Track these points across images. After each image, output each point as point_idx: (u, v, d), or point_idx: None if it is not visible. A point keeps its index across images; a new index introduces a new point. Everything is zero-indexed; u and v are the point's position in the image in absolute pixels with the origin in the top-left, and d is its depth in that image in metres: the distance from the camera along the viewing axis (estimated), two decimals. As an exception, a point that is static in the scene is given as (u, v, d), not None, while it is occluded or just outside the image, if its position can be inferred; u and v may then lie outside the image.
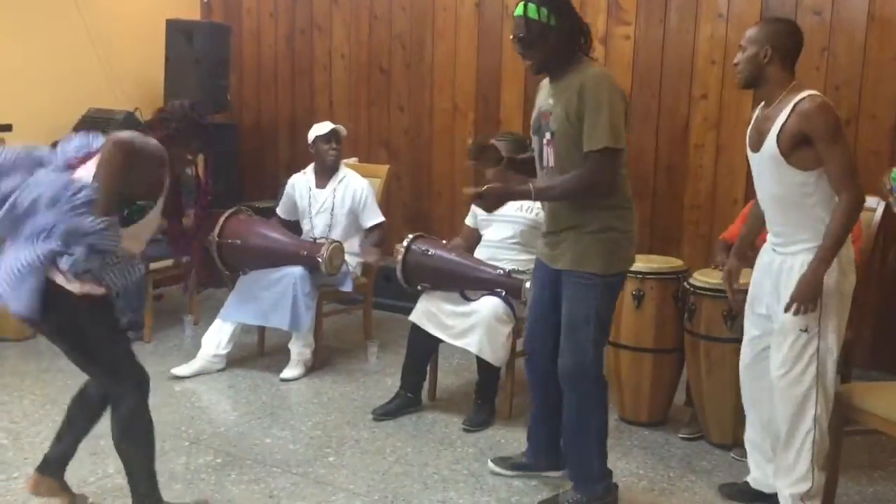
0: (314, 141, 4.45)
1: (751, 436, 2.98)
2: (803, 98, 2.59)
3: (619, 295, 2.92)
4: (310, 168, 4.56)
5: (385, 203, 4.59)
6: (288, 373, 4.16)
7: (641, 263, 3.63)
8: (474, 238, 4.00)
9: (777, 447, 2.79)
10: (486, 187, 2.70)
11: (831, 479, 2.84)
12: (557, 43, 2.68)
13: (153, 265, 4.65)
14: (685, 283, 3.51)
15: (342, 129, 4.49)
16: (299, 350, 4.21)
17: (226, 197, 5.19)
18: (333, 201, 4.42)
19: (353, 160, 4.67)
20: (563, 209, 2.76)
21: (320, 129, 4.44)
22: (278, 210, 4.65)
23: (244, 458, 3.31)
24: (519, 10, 2.69)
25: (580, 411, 2.83)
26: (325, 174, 4.48)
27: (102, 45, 5.59)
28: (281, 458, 3.32)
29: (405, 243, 3.79)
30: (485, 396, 3.71)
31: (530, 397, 3.13)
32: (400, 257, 3.76)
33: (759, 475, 2.97)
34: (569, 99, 2.64)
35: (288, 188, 4.61)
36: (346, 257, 4.28)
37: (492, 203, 2.72)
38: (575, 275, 2.75)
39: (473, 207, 4.02)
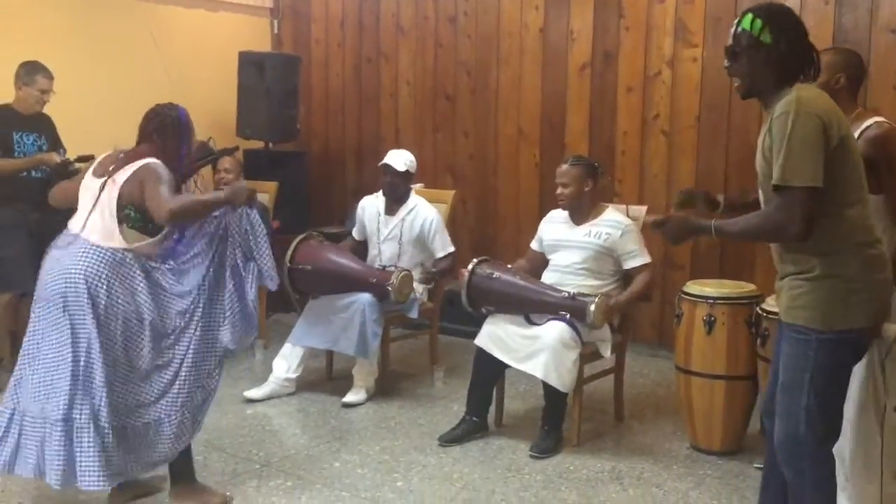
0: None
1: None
2: (870, 125, 2.56)
3: (849, 360, 2.38)
4: (381, 192, 4.59)
5: (451, 228, 4.60)
6: (350, 398, 4.19)
7: (712, 289, 3.58)
8: (538, 261, 3.99)
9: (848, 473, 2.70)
10: (668, 216, 2.53)
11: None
12: (766, 63, 2.32)
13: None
14: (758, 309, 3.43)
15: (396, 165, 4.39)
16: (363, 376, 4.24)
17: (294, 223, 5.30)
18: (402, 230, 4.44)
19: (418, 186, 4.71)
20: (781, 253, 2.39)
21: (386, 158, 4.48)
22: (353, 232, 4.69)
23: (314, 481, 3.34)
24: (737, 20, 2.39)
25: (795, 494, 2.42)
26: (395, 202, 4.51)
27: (178, 77, 5.78)
28: (350, 482, 3.34)
29: (470, 267, 3.80)
30: (552, 423, 3.67)
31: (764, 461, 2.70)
32: (465, 280, 3.77)
33: None
34: (766, 130, 2.31)
35: (358, 210, 4.65)
36: (414, 285, 4.30)
37: (674, 232, 2.50)
38: (789, 328, 2.35)
39: (540, 231, 4.01)
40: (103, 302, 2.79)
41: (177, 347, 2.94)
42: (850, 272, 2.26)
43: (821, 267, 2.26)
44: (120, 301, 2.82)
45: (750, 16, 2.34)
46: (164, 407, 2.91)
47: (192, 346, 2.95)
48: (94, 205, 2.91)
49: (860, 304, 2.28)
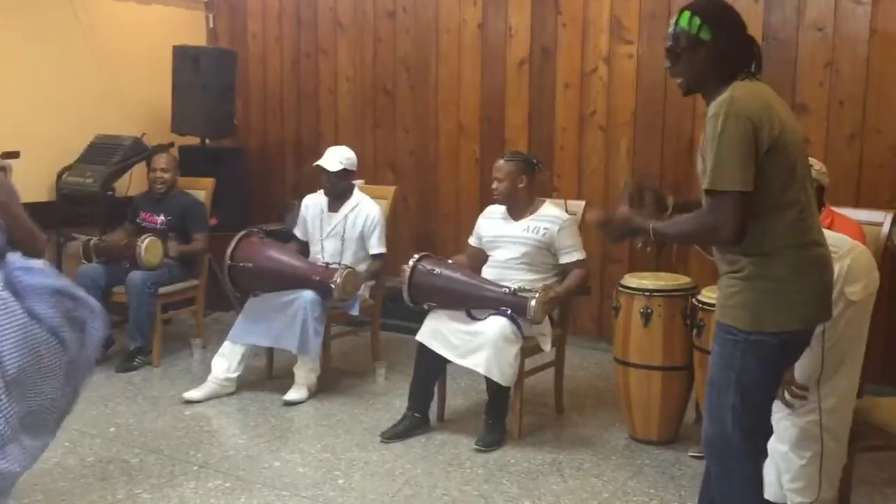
0: None
1: (772, 444, 2.92)
2: None
3: (778, 362, 2.32)
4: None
5: (392, 224, 4.59)
6: (291, 396, 4.14)
7: (649, 282, 3.64)
8: (477, 257, 4.00)
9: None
10: (611, 214, 2.47)
11: (844, 495, 2.82)
12: (707, 60, 2.26)
13: (161, 290, 4.67)
14: (694, 300, 3.51)
15: (329, 167, 4.34)
16: (304, 374, 4.20)
17: (233, 220, 5.23)
18: (345, 227, 4.41)
19: (359, 182, 4.68)
20: (717, 253, 2.35)
21: (321, 159, 4.40)
22: (296, 231, 4.63)
23: (254, 481, 3.30)
24: (674, 19, 2.33)
25: (720, 487, 2.40)
26: (337, 199, 4.47)
27: (110, 72, 5.65)
28: (290, 481, 3.31)
29: (411, 263, 3.79)
30: (495, 416, 3.69)
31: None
32: (406, 277, 3.76)
33: (772, 479, 2.93)
34: (704, 130, 2.24)
35: (301, 209, 4.59)
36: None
37: (615, 233, 2.45)
38: (720, 326, 2.31)
39: (477, 227, 4.03)
40: None
41: None
42: (780, 274, 2.21)
43: (750, 267, 2.23)
44: None
45: (687, 13, 2.27)
46: None
47: None
48: None
49: (792, 306, 2.22)
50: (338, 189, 4.42)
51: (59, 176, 5.24)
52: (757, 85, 2.27)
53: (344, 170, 4.39)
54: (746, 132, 2.14)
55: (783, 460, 2.84)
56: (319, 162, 4.39)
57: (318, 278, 4.12)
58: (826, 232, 2.75)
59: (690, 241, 2.39)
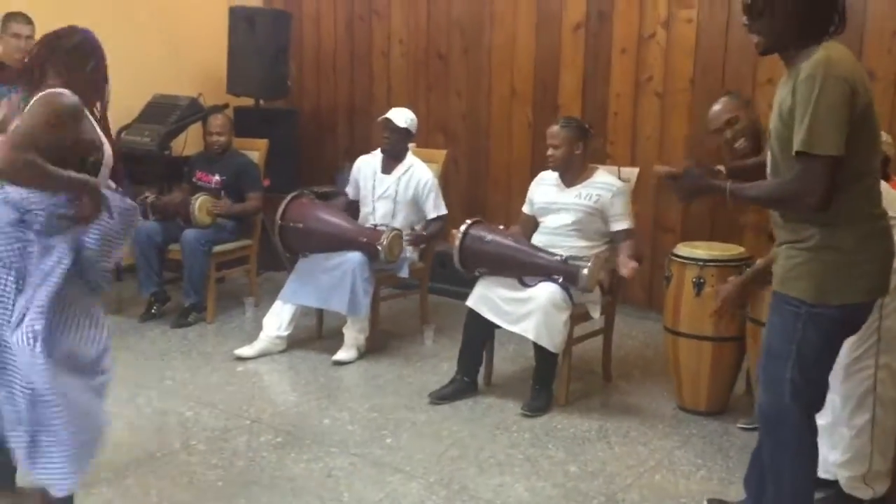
0: None
1: (821, 420, 2.89)
2: None
3: (839, 335, 2.29)
4: (378, 151, 4.57)
5: (443, 188, 4.59)
6: (341, 356, 4.21)
7: (702, 251, 3.59)
8: (531, 226, 3.98)
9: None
10: (684, 170, 2.40)
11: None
12: (790, 17, 2.14)
13: (216, 248, 4.76)
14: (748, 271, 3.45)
15: (396, 121, 4.38)
16: (353, 335, 4.26)
17: (284, 181, 5.28)
18: (397, 189, 4.43)
19: (412, 146, 4.68)
20: (781, 222, 2.29)
21: (388, 113, 4.45)
22: (348, 189, 4.68)
23: (304, 437, 3.37)
24: None
25: (773, 459, 2.36)
26: (392, 160, 4.49)
27: (167, 33, 5.71)
28: (339, 438, 3.37)
29: (463, 229, 3.79)
30: (543, 382, 3.70)
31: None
32: (457, 243, 3.77)
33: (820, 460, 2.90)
34: (787, 91, 2.16)
35: (354, 170, 4.63)
36: (404, 244, 4.30)
37: (686, 188, 2.40)
38: (780, 298, 2.27)
39: (530, 194, 4.00)
40: None
41: None
42: (848, 245, 2.16)
43: (820, 237, 2.16)
44: None
45: None
46: None
47: None
48: None
49: (856, 278, 2.19)
50: (396, 148, 4.44)
51: (118, 134, 5.33)
52: (844, 47, 2.18)
53: (406, 129, 4.42)
54: (844, 95, 2.07)
55: (832, 435, 2.80)
56: (387, 115, 4.41)
57: (365, 240, 4.16)
58: None
59: (771, 206, 2.35)
